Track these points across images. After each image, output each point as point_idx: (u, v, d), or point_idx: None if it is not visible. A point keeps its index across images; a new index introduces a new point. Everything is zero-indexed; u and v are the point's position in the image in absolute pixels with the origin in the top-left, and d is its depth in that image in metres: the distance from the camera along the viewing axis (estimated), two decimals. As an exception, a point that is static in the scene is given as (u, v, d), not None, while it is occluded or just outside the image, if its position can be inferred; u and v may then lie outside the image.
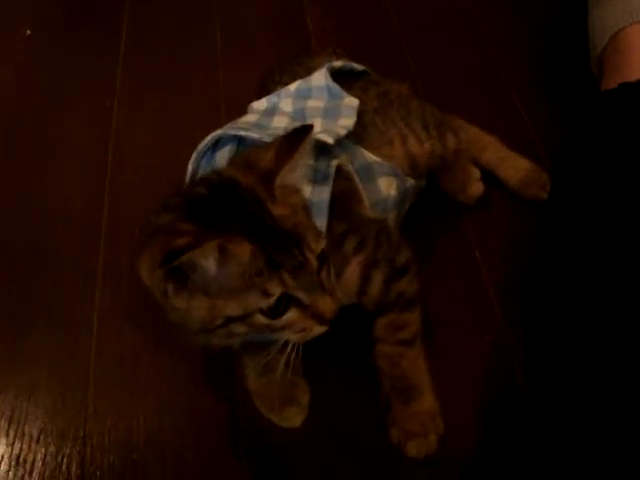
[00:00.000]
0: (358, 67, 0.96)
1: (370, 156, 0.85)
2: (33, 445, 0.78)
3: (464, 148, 0.97)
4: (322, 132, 0.78)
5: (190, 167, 0.81)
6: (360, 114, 0.85)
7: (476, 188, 0.99)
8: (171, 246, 0.57)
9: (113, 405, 0.81)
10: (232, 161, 0.72)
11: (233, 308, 0.61)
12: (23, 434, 0.79)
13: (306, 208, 0.68)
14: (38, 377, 0.83)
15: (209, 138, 0.79)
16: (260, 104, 0.89)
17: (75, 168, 1.08)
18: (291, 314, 0.63)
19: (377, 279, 0.78)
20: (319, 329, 0.65)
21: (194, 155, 0.81)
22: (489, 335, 0.89)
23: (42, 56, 1.24)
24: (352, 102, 0.85)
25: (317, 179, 0.77)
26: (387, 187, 0.85)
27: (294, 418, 0.78)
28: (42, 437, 0.79)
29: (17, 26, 1.27)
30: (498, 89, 1.18)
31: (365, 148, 0.85)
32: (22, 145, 1.11)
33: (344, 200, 0.80)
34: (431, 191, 0.99)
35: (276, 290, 0.60)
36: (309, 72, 0.91)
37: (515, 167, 1.01)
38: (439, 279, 0.93)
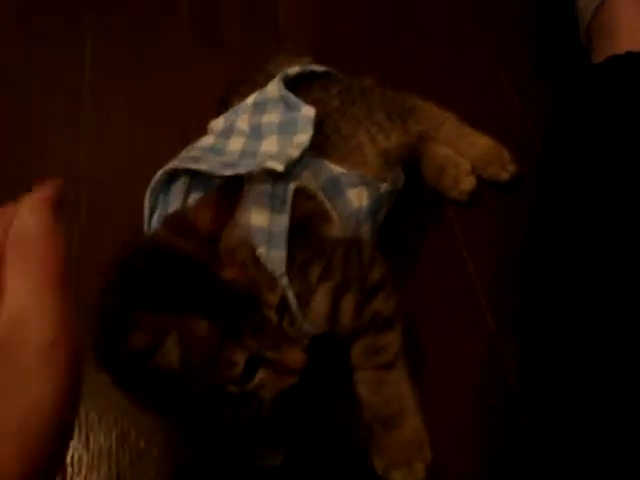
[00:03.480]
0: (318, 69, 0.90)
1: (335, 168, 0.80)
2: None
3: (425, 129, 0.93)
4: (272, 159, 0.73)
5: (147, 204, 0.78)
6: (321, 123, 0.80)
7: (468, 182, 0.94)
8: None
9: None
10: (168, 221, 0.66)
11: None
12: None
13: (255, 258, 0.64)
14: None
15: (159, 174, 0.76)
16: (217, 123, 0.85)
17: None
18: (261, 374, 0.59)
19: (348, 304, 0.74)
20: (291, 380, 0.61)
21: (148, 193, 0.77)
22: (480, 342, 0.84)
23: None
24: (309, 112, 0.80)
25: (274, 206, 0.73)
26: (357, 198, 0.80)
27: (273, 458, 0.74)
28: None
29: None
30: (485, 67, 1.12)
31: (331, 159, 0.80)
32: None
33: (306, 223, 0.76)
34: (413, 188, 0.94)
35: (241, 359, 0.57)
36: (267, 78, 0.86)
37: (474, 144, 0.95)
38: (424, 282, 0.88)
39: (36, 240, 0.41)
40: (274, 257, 0.70)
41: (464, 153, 0.95)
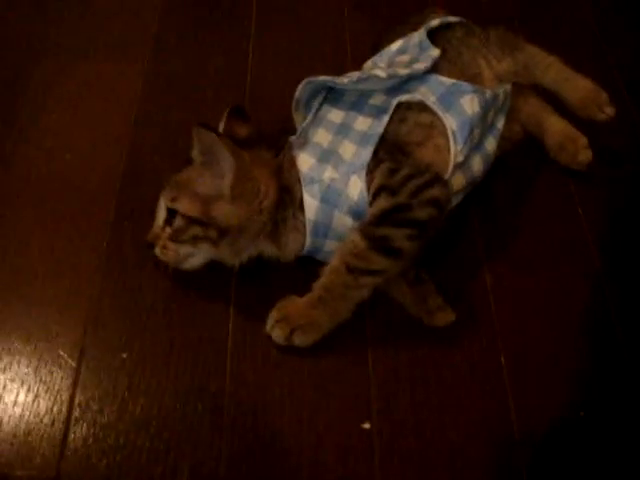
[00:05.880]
0: (453, 19, 1.03)
1: (446, 80, 0.91)
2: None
3: (530, 64, 1.01)
4: (378, 69, 0.89)
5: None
6: (445, 50, 0.95)
7: (585, 155, 1.02)
8: None
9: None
10: None
11: None
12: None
13: None
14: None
15: (302, 84, 0.92)
16: (367, 64, 1.02)
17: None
18: None
19: (381, 204, 0.81)
20: None
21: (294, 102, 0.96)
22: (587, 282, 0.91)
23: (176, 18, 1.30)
24: (434, 52, 0.94)
25: (377, 114, 0.88)
26: (470, 105, 0.89)
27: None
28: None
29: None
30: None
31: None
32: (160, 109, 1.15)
33: (401, 144, 0.87)
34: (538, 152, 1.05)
35: None
36: (412, 28, 1.01)
37: (576, 87, 1.02)
38: (540, 231, 0.97)
39: None
40: (360, 153, 0.84)
41: (567, 95, 1.02)
